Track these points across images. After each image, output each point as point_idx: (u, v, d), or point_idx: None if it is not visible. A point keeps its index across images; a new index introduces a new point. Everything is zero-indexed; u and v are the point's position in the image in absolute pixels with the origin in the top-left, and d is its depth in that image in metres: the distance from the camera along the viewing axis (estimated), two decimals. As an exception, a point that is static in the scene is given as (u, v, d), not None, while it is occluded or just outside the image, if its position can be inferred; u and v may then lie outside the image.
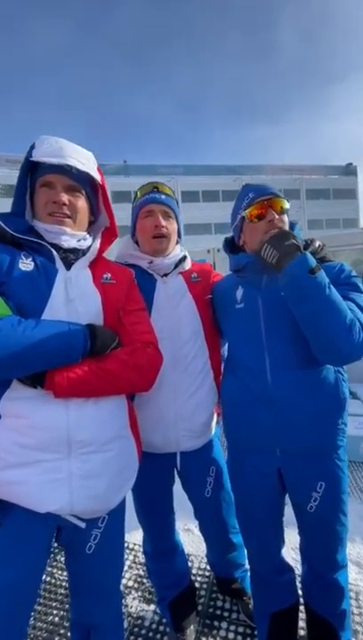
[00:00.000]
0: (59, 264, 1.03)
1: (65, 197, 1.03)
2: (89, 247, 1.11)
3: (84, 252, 1.09)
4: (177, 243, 1.48)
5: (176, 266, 1.41)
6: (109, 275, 1.13)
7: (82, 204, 1.08)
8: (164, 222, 1.36)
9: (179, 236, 1.48)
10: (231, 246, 1.42)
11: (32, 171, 1.06)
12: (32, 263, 0.99)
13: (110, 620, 1.12)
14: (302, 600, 1.40)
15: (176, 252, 1.44)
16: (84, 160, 1.05)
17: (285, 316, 1.17)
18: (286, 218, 1.26)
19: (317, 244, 1.26)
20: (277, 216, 1.21)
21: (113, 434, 1.01)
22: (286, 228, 1.25)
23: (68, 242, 1.05)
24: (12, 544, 0.91)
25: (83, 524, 0.97)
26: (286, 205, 1.25)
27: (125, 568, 1.92)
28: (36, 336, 0.88)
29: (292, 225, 1.29)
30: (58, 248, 1.04)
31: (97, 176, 1.10)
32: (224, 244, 1.43)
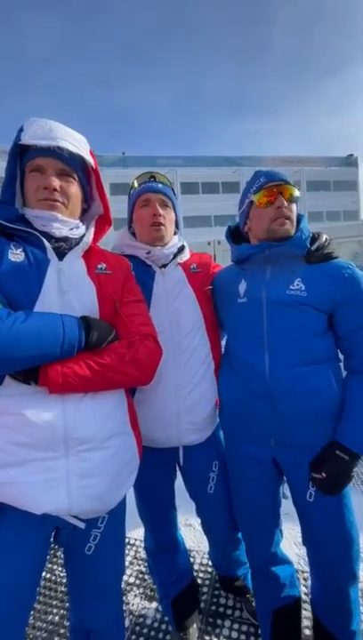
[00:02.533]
0: (50, 254, 0.97)
1: (56, 182, 0.98)
2: (82, 236, 1.05)
3: (77, 242, 1.04)
4: (175, 233, 1.43)
5: (175, 256, 1.36)
6: (104, 265, 1.08)
7: (75, 189, 1.03)
8: (161, 211, 1.32)
9: (177, 226, 1.44)
10: (234, 236, 1.38)
11: (22, 156, 1.00)
12: (22, 253, 0.93)
13: (111, 624, 1.09)
14: (304, 597, 1.37)
15: (174, 241, 1.39)
16: (75, 142, 0.99)
17: (289, 312, 1.16)
18: (294, 207, 1.23)
19: (323, 238, 1.24)
20: (286, 203, 1.19)
21: (112, 430, 0.97)
22: (294, 217, 1.23)
23: (60, 230, 0.99)
24: (8, 546, 0.87)
25: (82, 525, 0.93)
26: (296, 193, 1.22)
27: (126, 564, 1.90)
28: (27, 329, 0.82)
29: (300, 217, 1.26)
30: (49, 237, 0.98)
31: (90, 160, 1.04)
32: (227, 232, 1.40)
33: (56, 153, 0.97)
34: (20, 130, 0.96)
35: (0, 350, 0.79)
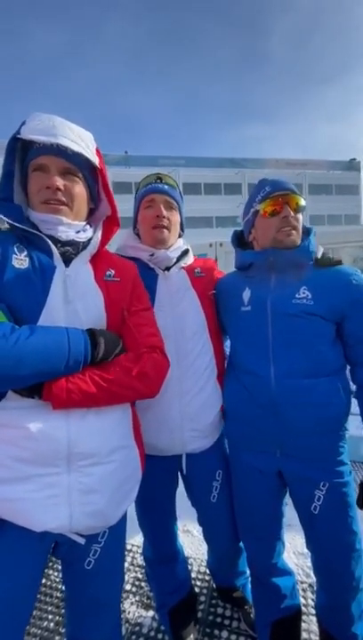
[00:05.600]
0: (57, 260, 0.93)
1: (60, 182, 0.92)
2: (89, 239, 1.00)
3: (84, 245, 0.99)
4: (180, 236, 1.41)
5: (178, 259, 1.34)
6: (113, 271, 1.03)
7: (79, 189, 0.97)
8: (165, 213, 1.29)
9: (181, 228, 1.41)
10: (239, 242, 1.37)
11: (26, 155, 0.95)
12: (27, 259, 0.89)
13: (108, 638, 1.06)
14: (303, 609, 1.36)
15: (178, 244, 1.37)
16: (79, 140, 0.94)
17: (295, 322, 1.14)
18: (300, 217, 1.21)
19: (321, 251, 1.23)
20: (292, 213, 1.17)
21: (115, 444, 0.94)
22: (300, 227, 1.21)
23: (66, 233, 0.94)
24: (5, 560, 0.84)
25: (82, 541, 0.90)
26: (302, 203, 1.20)
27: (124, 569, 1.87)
28: (31, 346, 0.79)
29: (308, 230, 1.24)
30: (55, 241, 0.93)
31: (95, 159, 0.99)
32: (233, 237, 1.38)
33: (60, 151, 0.91)
34: (22, 124, 0.91)
35: (4, 369, 0.76)
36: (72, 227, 0.96)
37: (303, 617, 1.43)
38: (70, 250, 0.96)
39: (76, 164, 0.95)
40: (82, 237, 0.98)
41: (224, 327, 1.41)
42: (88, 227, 1.02)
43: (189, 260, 1.39)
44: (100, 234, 1.03)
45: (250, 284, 1.26)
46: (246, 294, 1.25)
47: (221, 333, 1.42)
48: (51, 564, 1.94)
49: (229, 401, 1.29)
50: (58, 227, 0.93)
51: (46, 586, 1.81)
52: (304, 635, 1.45)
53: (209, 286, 1.39)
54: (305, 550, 1.28)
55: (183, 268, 1.35)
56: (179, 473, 1.37)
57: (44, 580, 1.84)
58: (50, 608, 1.68)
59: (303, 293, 1.14)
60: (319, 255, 1.21)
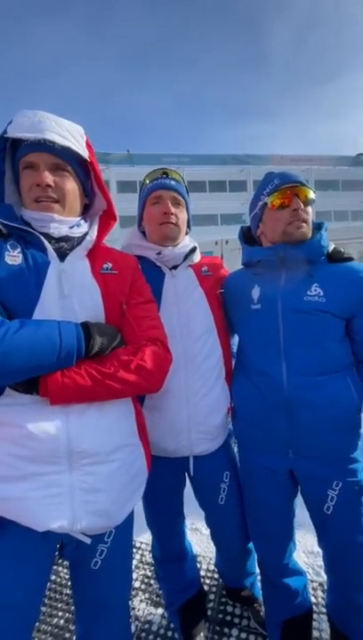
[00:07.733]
0: (51, 255, 0.91)
1: (49, 178, 0.91)
2: (85, 234, 0.99)
3: (79, 241, 0.97)
4: (187, 233, 1.39)
5: (186, 257, 1.32)
6: (110, 264, 1.02)
7: (71, 185, 0.95)
8: (173, 209, 1.26)
9: (188, 226, 1.39)
10: (246, 238, 1.34)
11: (16, 153, 0.94)
12: (20, 255, 0.88)
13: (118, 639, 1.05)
14: (315, 608, 1.35)
15: (185, 242, 1.35)
16: (66, 134, 0.92)
17: (307, 320, 1.12)
18: (310, 210, 1.18)
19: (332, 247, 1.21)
20: (302, 206, 1.14)
21: (119, 442, 0.92)
22: (310, 220, 1.19)
23: (58, 229, 0.93)
24: (9, 562, 0.84)
25: (88, 540, 0.89)
26: (312, 195, 1.18)
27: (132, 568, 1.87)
28: (20, 340, 0.77)
29: (320, 225, 1.21)
30: (49, 238, 0.92)
31: (83, 152, 0.96)
32: (240, 233, 1.36)
33: (47, 146, 0.90)
34: (9, 123, 0.90)
35: None
36: (64, 222, 0.95)
37: (314, 615, 1.42)
38: (65, 245, 0.95)
39: (64, 158, 0.93)
40: (76, 232, 0.97)
41: (232, 326, 1.39)
42: (83, 221, 1.01)
43: (196, 258, 1.36)
44: (96, 228, 1.02)
45: (259, 282, 1.23)
46: (256, 292, 1.23)
47: (228, 333, 1.40)
48: (60, 561, 1.95)
49: (238, 401, 1.28)
50: (50, 224, 0.93)
51: (56, 583, 1.83)
52: (315, 633, 1.44)
53: (216, 285, 1.37)
54: (315, 549, 1.27)
55: (190, 266, 1.33)
56: (186, 474, 1.35)
57: (53, 577, 1.85)
58: (60, 605, 1.69)
59: (315, 290, 1.12)
60: (330, 250, 1.19)
